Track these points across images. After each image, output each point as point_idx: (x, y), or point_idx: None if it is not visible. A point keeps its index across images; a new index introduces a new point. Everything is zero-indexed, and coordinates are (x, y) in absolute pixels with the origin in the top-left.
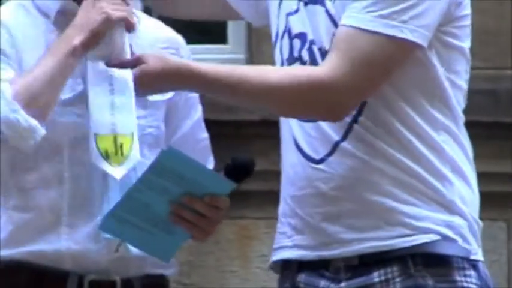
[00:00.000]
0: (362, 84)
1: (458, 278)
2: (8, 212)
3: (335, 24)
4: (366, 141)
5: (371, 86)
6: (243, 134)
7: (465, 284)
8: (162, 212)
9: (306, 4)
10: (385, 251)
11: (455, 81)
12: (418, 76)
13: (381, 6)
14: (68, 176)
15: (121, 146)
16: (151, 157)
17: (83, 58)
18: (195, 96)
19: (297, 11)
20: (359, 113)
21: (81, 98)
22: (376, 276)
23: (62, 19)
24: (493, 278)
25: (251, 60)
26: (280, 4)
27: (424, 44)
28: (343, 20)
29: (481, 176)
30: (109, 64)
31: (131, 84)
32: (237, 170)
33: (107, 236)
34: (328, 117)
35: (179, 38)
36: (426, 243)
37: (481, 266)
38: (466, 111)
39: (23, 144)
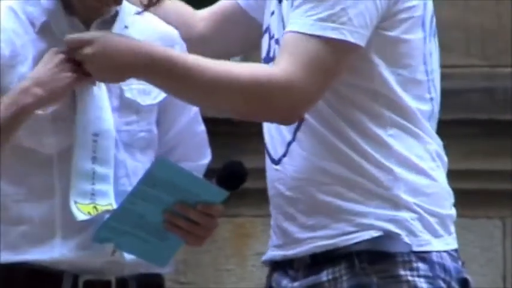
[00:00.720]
0: (313, 86)
1: (402, 273)
2: (7, 225)
3: (283, 25)
4: (312, 141)
5: (321, 88)
6: (240, 132)
7: (410, 278)
8: (156, 220)
9: (279, 2)
10: (332, 249)
11: (405, 74)
12: (358, 75)
13: (319, 10)
14: (58, 188)
15: (95, 209)
16: (144, 160)
17: None
18: None
19: (273, 12)
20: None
21: (68, 110)
22: (324, 275)
23: (47, 31)
24: (488, 276)
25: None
26: (269, 3)
27: (363, 44)
28: (289, 26)
29: (477, 174)
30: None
31: (112, 156)
32: (229, 178)
33: (100, 245)
34: (281, 119)
35: (175, 34)
36: (368, 239)
37: (434, 256)
38: (462, 110)
39: None
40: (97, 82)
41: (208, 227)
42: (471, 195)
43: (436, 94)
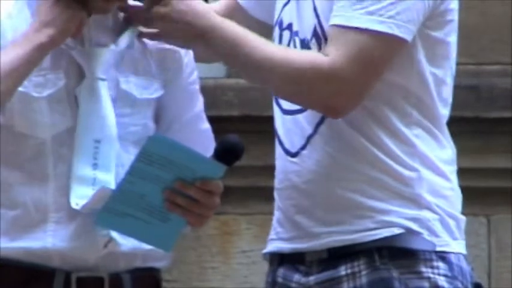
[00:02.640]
0: (359, 78)
1: (424, 270)
2: (2, 209)
3: (318, 18)
4: (335, 136)
5: (368, 81)
6: (224, 129)
7: (431, 275)
8: (156, 200)
9: None
10: (352, 245)
11: (439, 75)
12: (399, 72)
13: (366, 4)
14: (52, 173)
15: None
16: (131, 149)
17: (59, 48)
18: (195, 89)
19: (288, 2)
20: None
21: (64, 93)
22: (343, 270)
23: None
24: (474, 272)
25: None
26: None
27: (410, 39)
28: (333, 19)
29: (463, 172)
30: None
31: (114, 163)
32: (226, 152)
33: (102, 229)
34: (329, 111)
35: None
36: (391, 236)
37: (453, 258)
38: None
39: None
40: (100, 81)
41: (209, 205)
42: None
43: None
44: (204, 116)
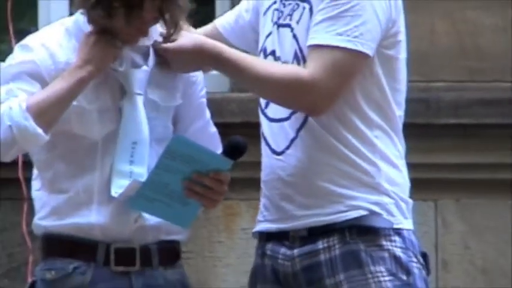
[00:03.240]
0: (333, 85)
1: (384, 243)
2: (51, 193)
3: (298, 43)
4: (312, 139)
5: (340, 87)
6: (228, 133)
7: (390, 247)
8: (177, 188)
9: (278, 27)
10: (327, 224)
11: (396, 86)
12: (362, 84)
13: (337, 27)
14: (99, 165)
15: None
16: (158, 149)
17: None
18: (204, 102)
19: (271, 33)
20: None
21: (110, 104)
22: (320, 244)
23: None
24: (423, 245)
25: None
26: (263, 27)
27: (371, 54)
28: (310, 41)
29: (416, 166)
30: (155, 46)
31: (146, 160)
32: (232, 150)
33: (135, 211)
34: (310, 110)
35: None
36: (358, 217)
37: (405, 233)
38: (406, 116)
39: (27, 146)
40: (137, 96)
41: (220, 191)
42: (412, 182)
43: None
44: (211, 122)
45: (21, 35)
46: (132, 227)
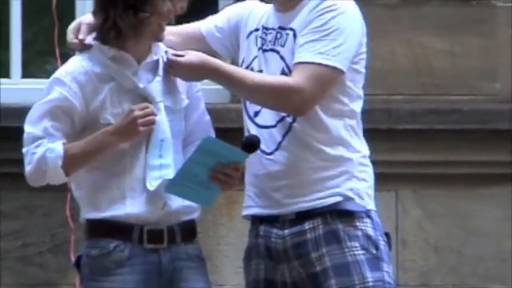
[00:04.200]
0: (314, 92)
1: (358, 224)
2: (90, 192)
3: (285, 62)
4: (295, 140)
5: (320, 95)
6: (229, 136)
7: (363, 227)
8: (203, 176)
9: (263, 51)
10: (311, 209)
11: (359, 93)
12: (335, 93)
13: (319, 47)
14: (129, 167)
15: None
16: (175, 143)
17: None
18: (200, 95)
19: (256, 56)
20: (293, 121)
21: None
22: (307, 225)
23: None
24: (387, 227)
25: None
26: (248, 49)
27: (346, 70)
28: (296, 59)
29: (381, 163)
30: (167, 62)
31: (171, 150)
32: (248, 145)
33: (168, 195)
34: (295, 111)
35: None
36: (336, 202)
37: (373, 214)
38: (369, 122)
39: (52, 182)
40: (160, 103)
41: (237, 177)
42: (378, 176)
43: None
44: (206, 111)
45: (65, 57)
46: (160, 213)
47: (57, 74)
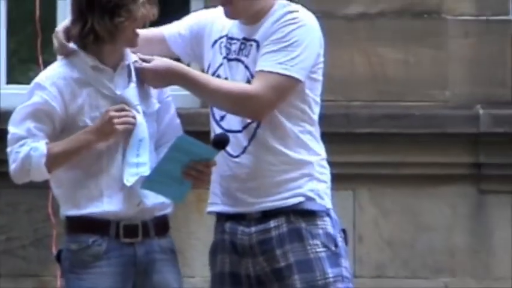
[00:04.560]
0: (271, 99)
1: (319, 222)
2: (69, 190)
3: (249, 71)
4: (260, 144)
5: (276, 101)
6: (200, 138)
7: (323, 225)
8: (177, 173)
9: (228, 60)
10: (275, 209)
11: (316, 99)
12: (295, 100)
13: (278, 57)
14: (105, 168)
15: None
16: (150, 143)
17: (104, 95)
18: (170, 100)
19: (221, 64)
20: (257, 127)
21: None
22: (272, 224)
23: (86, 82)
24: (344, 223)
25: None
26: (214, 57)
27: (303, 79)
28: (258, 67)
29: (339, 164)
30: (137, 70)
31: (148, 149)
32: (217, 142)
33: (143, 191)
34: (253, 115)
35: None
36: (298, 203)
37: (332, 213)
38: (330, 126)
39: (35, 179)
40: (138, 106)
41: (208, 173)
42: (336, 176)
43: None
44: (176, 115)
45: (48, 64)
46: (136, 209)
47: (37, 79)
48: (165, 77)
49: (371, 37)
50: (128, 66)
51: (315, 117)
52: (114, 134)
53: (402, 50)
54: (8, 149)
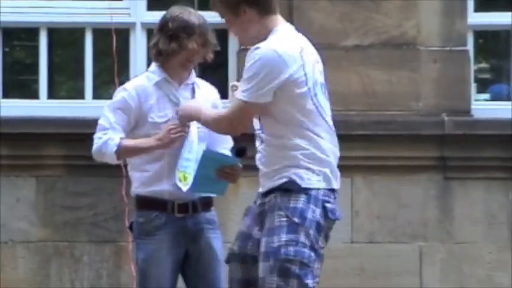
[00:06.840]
0: (237, 119)
1: (292, 199)
2: (138, 172)
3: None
4: (267, 144)
5: (244, 122)
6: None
7: (295, 201)
8: (212, 174)
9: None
10: (271, 188)
11: (307, 107)
12: (289, 109)
13: (243, 86)
14: (167, 154)
15: (185, 178)
16: (200, 143)
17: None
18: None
19: None
20: (262, 133)
21: (174, 119)
22: (266, 199)
23: (162, 84)
24: (345, 204)
25: None
26: None
27: (262, 102)
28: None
29: (340, 158)
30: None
31: (196, 148)
32: (238, 152)
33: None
34: (228, 132)
35: (217, 94)
36: (282, 183)
37: (314, 192)
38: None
39: (105, 161)
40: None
41: (237, 174)
42: (338, 168)
43: (328, 115)
44: None
45: (122, 83)
46: (186, 193)
47: (124, 85)
48: (189, 118)
49: (363, 63)
50: (192, 84)
51: (306, 120)
52: (170, 141)
53: (387, 72)
54: (95, 135)
